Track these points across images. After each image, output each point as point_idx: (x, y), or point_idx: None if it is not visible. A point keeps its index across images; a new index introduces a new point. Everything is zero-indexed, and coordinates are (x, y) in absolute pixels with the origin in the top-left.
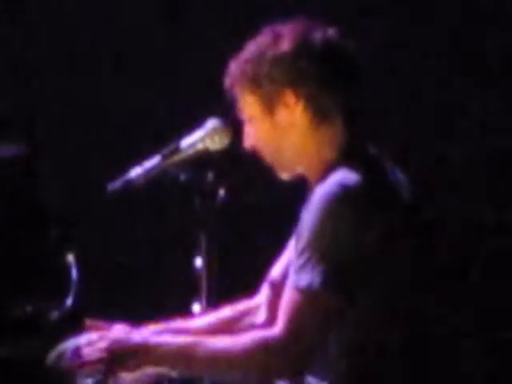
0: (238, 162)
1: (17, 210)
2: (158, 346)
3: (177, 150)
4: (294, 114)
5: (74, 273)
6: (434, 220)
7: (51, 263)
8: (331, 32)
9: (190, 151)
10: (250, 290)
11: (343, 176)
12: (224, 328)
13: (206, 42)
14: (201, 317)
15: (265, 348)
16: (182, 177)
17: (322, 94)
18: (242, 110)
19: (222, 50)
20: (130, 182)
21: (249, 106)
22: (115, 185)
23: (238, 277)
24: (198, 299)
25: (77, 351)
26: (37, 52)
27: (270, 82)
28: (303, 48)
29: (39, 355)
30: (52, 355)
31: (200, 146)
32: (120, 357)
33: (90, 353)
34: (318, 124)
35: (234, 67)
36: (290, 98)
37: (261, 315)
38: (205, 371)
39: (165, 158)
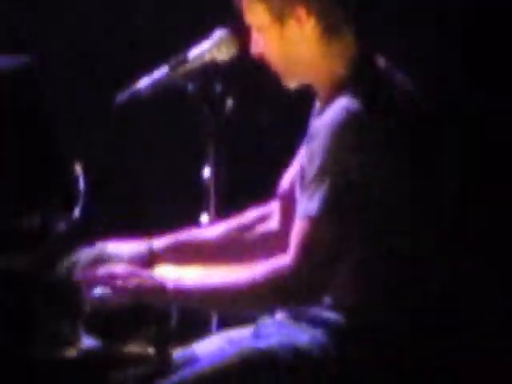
0: (245, 72)
1: (22, 121)
2: (176, 290)
3: (184, 60)
4: (304, 28)
5: (82, 183)
6: None
7: (58, 173)
8: None
9: (198, 62)
10: (259, 200)
11: (349, 101)
12: (237, 237)
13: None
14: (211, 226)
15: (277, 279)
16: (190, 87)
17: (333, 9)
18: (249, 19)
19: None
20: (137, 93)
21: (258, 15)
22: (123, 96)
23: (246, 187)
24: (206, 209)
25: (88, 271)
26: None
27: None
28: None
29: (46, 266)
30: (62, 266)
31: (207, 57)
32: (139, 291)
33: (110, 277)
34: (328, 39)
35: None
36: (301, 12)
37: (273, 223)
38: (226, 309)
39: (172, 68)
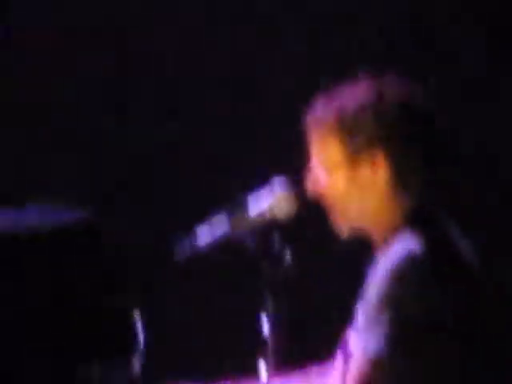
0: (303, 225)
1: (83, 274)
2: None
3: (244, 214)
4: (376, 174)
5: (142, 335)
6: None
7: (119, 324)
8: (426, 96)
9: (259, 220)
10: (318, 354)
11: (409, 243)
12: None
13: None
14: (278, 380)
15: None
16: (248, 241)
17: (410, 160)
18: (318, 154)
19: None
20: (198, 250)
21: (331, 152)
22: (183, 250)
23: (306, 341)
24: (266, 363)
25: None
26: None
27: (365, 135)
28: (407, 110)
29: None
30: None
31: (268, 215)
32: None
33: None
34: (397, 189)
35: (326, 107)
36: (379, 158)
37: (333, 381)
38: None
39: (232, 223)
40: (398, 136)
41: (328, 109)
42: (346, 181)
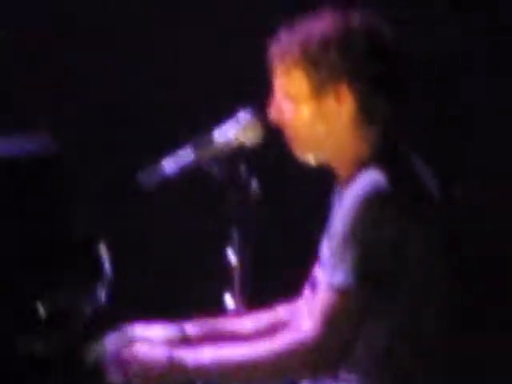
0: (269, 153)
1: (47, 202)
2: (196, 366)
3: (210, 144)
4: (341, 107)
5: (107, 265)
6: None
7: (84, 254)
8: (394, 34)
9: (224, 146)
10: (284, 285)
11: (374, 177)
12: (267, 332)
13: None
14: (242, 319)
15: (299, 348)
16: (215, 170)
17: (375, 96)
18: (283, 85)
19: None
20: (163, 178)
21: (295, 83)
22: (148, 178)
23: (272, 272)
24: (232, 294)
25: (115, 353)
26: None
27: (330, 68)
28: (374, 46)
29: (73, 349)
30: (91, 353)
31: (234, 143)
32: (174, 375)
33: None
34: (360, 123)
35: (291, 39)
36: (343, 90)
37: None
38: (247, 382)
39: (198, 152)
40: (364, 71)
41: (293, 40)
42: (311, 112)
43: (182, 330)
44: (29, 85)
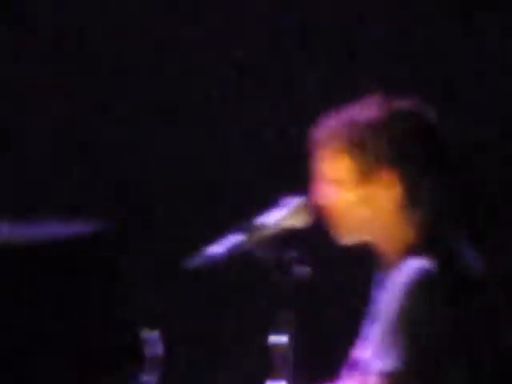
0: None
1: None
2: None
3: (260, 227)
4: (387, 192)
5: (160, 350)
6: None
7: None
8: (434, 117)
9: (273, 229)
10: (330, 366)
11: (421, 262)
12: None
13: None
14: None
15: None
16: (259, 253)
17: (421, 180)
18: (328, 171)
19: None
20: (212, 260)
21: (340, 169)
22: (197, 261)
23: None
24: (276, 377)
25: None
26: None
27: (377, 154)
28: (419, 130)
29: None
30: None
31: (283, 225)
32: None
33: None
34: (406, 206)
35: (337, 124)
36: (390, 175)
37: None
38: None
39: (248, 236)
40: (411, 156)
41: (339, 125)
42: (356, 197)
43: None
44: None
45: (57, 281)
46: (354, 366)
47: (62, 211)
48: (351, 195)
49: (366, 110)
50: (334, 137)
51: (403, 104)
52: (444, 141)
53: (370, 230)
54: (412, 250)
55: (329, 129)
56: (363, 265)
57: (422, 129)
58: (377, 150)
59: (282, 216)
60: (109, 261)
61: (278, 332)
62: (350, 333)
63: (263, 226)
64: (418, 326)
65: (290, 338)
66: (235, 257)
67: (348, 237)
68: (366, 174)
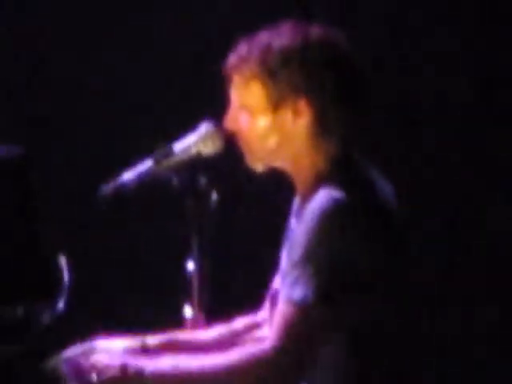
0: (229, 165)
1: (8, 212)
2: (153, 374)
3: (170, 154)
4: (298, 121)
5: (66, 275)
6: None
7: (43, 265)
8: (348, 45)
9: (184, 155)
10: (244, 295)
11: (332, 192)
12: (228, 342)
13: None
14: (203, 331)
15: (256, 362)
16: (175, 180)
17: (333, 109)
18: (240, 97)
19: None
20: (122, 187)
21: (252, 95)
22: (107, 189)
23: (230, 282)
24: (190, 303)
25: (73, 361)
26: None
27: (289, 81)
28: (332, 59)
29: (30, 358)
30: (51, 362)
31: (193, 151)
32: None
33: (102, 369)
34: (317, 135)
35: (250, 51)
36: (301, 105)
37: (263, 332)
38: None
39: (158, 162)
40: (323, 85)
41: (252, 52)
42: (265, 124)
43: (143, 341)
44: None
45: None
46: (273, 295)
47: None
48: (262, 122)
49: (280, 37)
50: (246, 62)
51: (318, 32)
52: (358, 70)
53: (281, 157)
54: (323, 179)
55: (242, 54)
56: (280, 192)
57: (335, 58)
58: (288, 77)
59: (192, 142)
60: (19, 184)
61: (193, 258)
62: (267, 262)
63: (174, 152)
64: (328, 255)
65: (205, 264)
66: (146, 183)
67: (260, 163)
68: (276, 101)
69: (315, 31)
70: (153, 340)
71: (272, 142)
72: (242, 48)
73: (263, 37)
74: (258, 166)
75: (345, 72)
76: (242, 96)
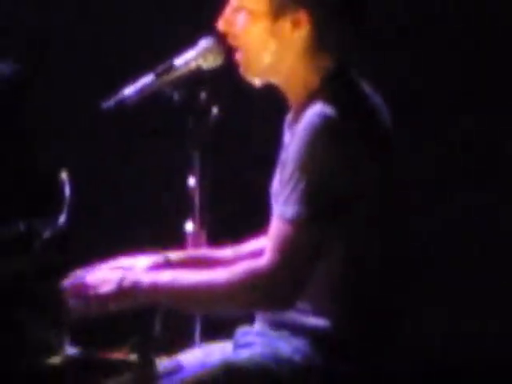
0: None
1: (8, 128)
2: (151, 287)
3: (170, 68)
4: (297, 33)
5: (68, 190)
6: None
7: (43, 180)
8: None
9: (184, 70)
10: (243, 210)
11: (322, 107)
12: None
13: None
14: (220, 249)
15: (252, 278)
16: (175, 95)
17: (332, 24)
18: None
19: None
20: (123, 101)
21: (255, 0)
22: (109, 103)
23: (231, 197)
24: (192, 218)
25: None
26: None
27: None
28: None
29: (31, 272)
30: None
31: (193, 65)
32: (110, 297)
33: (99, 284)
34: (313, 50)
35: None
36: (302, 16)
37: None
38: (201, 307)
39: (158, 76)
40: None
41: None
42: (264, 30)
43: (166, 257)
44: None
45: None
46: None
47: None
48: (260, 27)
49: None
50: None
51: None
52: None
53: (276, 69)
54: (316, 96)
55: None
56: (274, 107)
57: None
58: None
59: (192, 56)
60: (18, 105)
61: (196, 175)
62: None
63: (174, 67)
64: (318, 170)
65: (207, 180)
66: (146, 98)
67: (256, 77)
68: (277, 9)
69: None
70: (176, 255)
71: (268, 50)
72: None
73: None
74: (255, 80)
75: None
76: (244, 1)
